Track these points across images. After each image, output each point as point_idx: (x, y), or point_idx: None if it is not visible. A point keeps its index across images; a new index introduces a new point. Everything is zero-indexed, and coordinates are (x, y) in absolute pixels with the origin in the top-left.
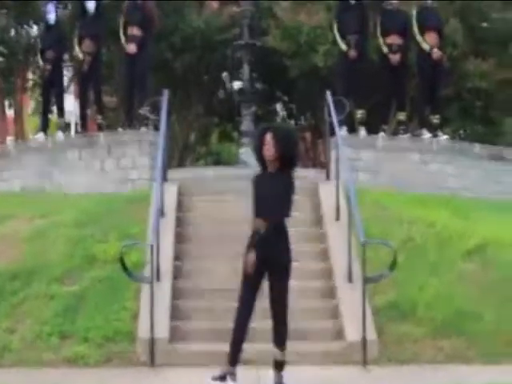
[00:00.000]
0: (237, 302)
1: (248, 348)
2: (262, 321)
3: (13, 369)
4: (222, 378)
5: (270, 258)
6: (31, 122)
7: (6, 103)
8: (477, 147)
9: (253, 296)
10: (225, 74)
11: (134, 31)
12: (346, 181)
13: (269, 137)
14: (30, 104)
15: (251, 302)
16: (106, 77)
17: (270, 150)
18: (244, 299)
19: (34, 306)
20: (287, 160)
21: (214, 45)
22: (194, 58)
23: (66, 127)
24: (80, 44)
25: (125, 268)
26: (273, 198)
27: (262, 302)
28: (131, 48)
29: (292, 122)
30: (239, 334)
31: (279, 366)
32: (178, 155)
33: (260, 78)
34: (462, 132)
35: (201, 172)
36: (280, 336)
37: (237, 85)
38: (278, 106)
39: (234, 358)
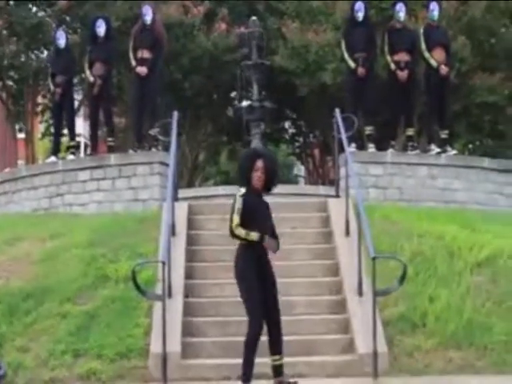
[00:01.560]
0: (248, 316)
1: (260, 362)
2: None
3: None
4: None
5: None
6: (41, 145)
7: (17, 127)
8: (485, 161)
9: (262, 310)
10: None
11: (145, 54)
12: (356, 196)
13: (260, 164)
14: (40, 128)
15: (262, 317)
16: (116, 98)
17: (261, 177)
18: (256, 314)
19: (47, 325)
20: (272, 185)
21: (222, 65)
22: (202, 79)
23: (75, 149)
24: (91, 67)
25: (137, 286)
26: (268, 219)
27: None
28: (142, 70)
29: (301, 139)
30: (253, 352)
31: (281, 367)
32: (187, 175)
33: (269, 96)
34: (470, 146)
35: (210, 191)
36: (281, 343)
37: (246, 104)
38: (287, 124)
39: (250, 375)
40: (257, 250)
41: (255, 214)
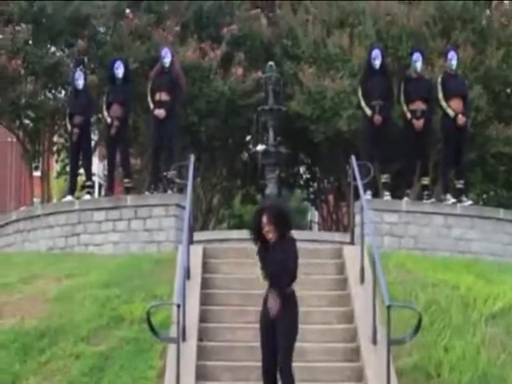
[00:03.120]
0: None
1: None
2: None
3: None
4: None
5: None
6: (56, 184)
7: (33, 165)
8: (501, 212)
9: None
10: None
11: (163, 96)
12: (371, 244)
13: (264, 220)
14: (56, 167)
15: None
16: (132, 140)
17: (268, 230)
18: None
19: (61, 365)
20: (283, 231)
21: (238, 109)
22: (218, 122)
23: (91, 188)
24: (108, 109)
25: (152, 328)
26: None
27: None
28: (160, 113)
29: (315, 184)
30: None
31: None
32: (201, 217)
33: (284, 141)
34: (484, 196)
35: (224, 234)
36: None
37: (261, 148)
38: (302, 169)
39: None
40: None
41: (266, 267)
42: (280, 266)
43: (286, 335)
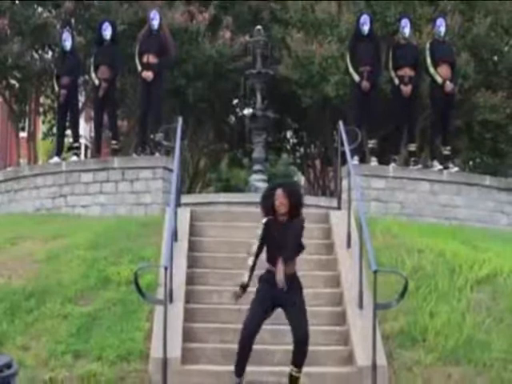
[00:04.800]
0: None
1: (260, 370)
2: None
3: None
4: None
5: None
6: (42, 145)
7: (19, 126)
8: (487, 179)
9: (262, 317)
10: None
11: (151, 59)
12: (358, 209)
13: (280, 192)
14: (42, 128)
15: (260, 321)
16: (119, 102)
17: (283, 202)
18: (254, 315)
19: (48, 325)
20: (296, 210)
21: (225, 72)
22: (206, 86)
23: (78, 150)
24: (96, 70)
25: (139, 289)
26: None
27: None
28: (148, 75)
29: (302, 149)
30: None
31: (296, 381)
32: (188, 181)
33: (271, 105)
34: (471, 163)
35: (211, 198)
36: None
37: (248, 112)
38: (289, 134)
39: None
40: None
41: (273, 245)
42: (294, 247)
43: (302, 308)
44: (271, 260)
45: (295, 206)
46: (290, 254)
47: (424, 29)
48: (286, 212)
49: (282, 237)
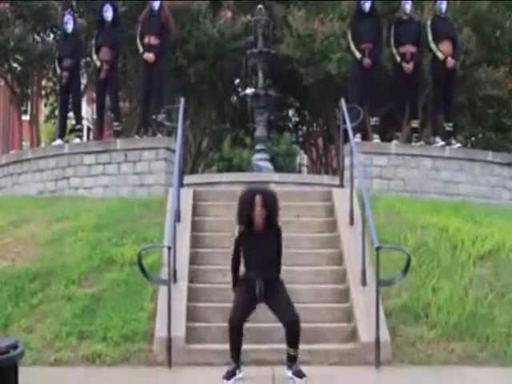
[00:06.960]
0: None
1: (262, 348)
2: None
3: (32, 367)
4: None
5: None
6: (45, 128)
7: (22, 109)
8: (489, 154)
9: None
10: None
11: (152, 40)
12: (360, 187)
13: (259, 199)
14: (44, 110)
15: (245, 311)
16: (120, 83)
17: (261, 211)
18: (237, 306)
19: (53, 307)
20: (273, 219)
21: (227, 52)
22: (207, 66)
23: (81, 132)
24: (97, 52)
25: (143, 270)
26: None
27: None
28: (149, 57)
29: (304, 128)
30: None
31: (293, 359)
32: (190, 161)
33: (273, 84)
34: (473, 139)
35: (214, 178)
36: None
37: (250, 91)
38: (291, 112)
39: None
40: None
41: (251, 252)
42: (271, 256)
43: (285, 294)
44: (249, 267)
45: (273, 214)
46: (276, 271)
47: (426, 5)
48: (263, 221)
49: (259, 249)
